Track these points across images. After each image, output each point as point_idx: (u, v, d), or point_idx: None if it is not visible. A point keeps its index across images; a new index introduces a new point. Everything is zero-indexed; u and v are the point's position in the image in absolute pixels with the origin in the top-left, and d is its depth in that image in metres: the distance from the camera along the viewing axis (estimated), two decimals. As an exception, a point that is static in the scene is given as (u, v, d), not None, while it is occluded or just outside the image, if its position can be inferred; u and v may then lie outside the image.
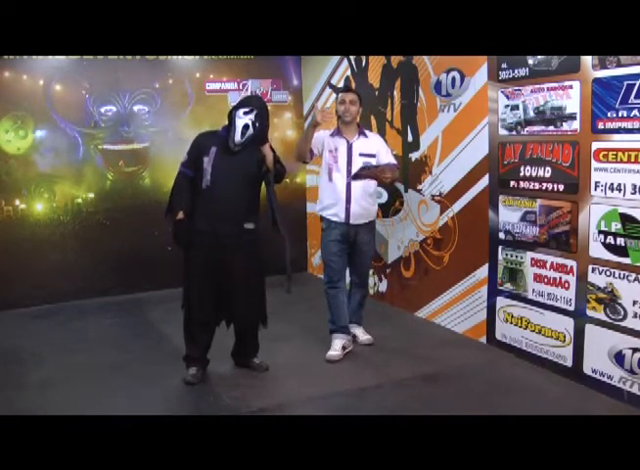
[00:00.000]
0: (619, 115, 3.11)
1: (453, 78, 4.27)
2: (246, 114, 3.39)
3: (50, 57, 5.08)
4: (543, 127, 3.58)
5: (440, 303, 4.56)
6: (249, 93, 5.82)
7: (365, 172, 3.76)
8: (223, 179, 3.39)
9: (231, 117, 3.44)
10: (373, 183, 3.94)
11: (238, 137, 3.38)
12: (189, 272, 3.51)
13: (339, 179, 3.88)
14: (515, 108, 3.74)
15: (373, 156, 3.91)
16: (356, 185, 3.85)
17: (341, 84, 5.51)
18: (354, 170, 3.81)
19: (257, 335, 3.73)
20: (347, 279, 4.14)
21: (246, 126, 3.37)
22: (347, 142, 3.92)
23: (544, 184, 3.61)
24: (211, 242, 3.42)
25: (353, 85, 5.31)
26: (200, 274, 3.47)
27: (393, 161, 4.00)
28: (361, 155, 3.88)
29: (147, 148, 5.60)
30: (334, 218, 3.92)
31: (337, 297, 3.97)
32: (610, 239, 3.23)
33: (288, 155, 6.03)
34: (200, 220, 3.44)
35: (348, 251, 4.00)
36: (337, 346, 3.93)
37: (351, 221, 3.89)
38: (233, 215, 3.44)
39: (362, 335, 4.20)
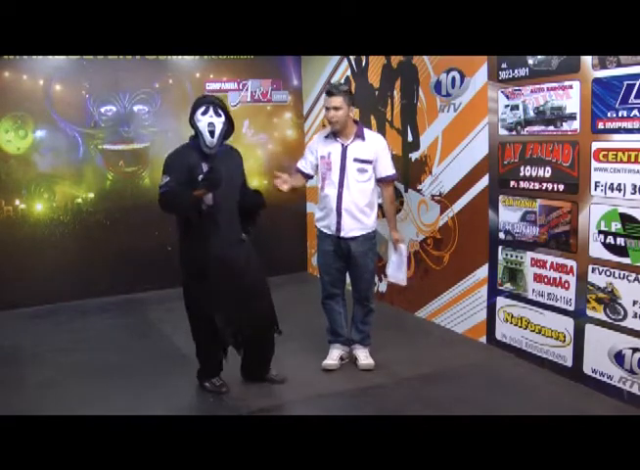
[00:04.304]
0: (619, 115, 3.12)
1: (453, 78, 4.26)
2: (203, 114, 3.23)
3: (50, 57, 5.08)
4: (543, 127, 3.58)
5: (440, 303, 4.56)
6: (249, 93, 5.84)
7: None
8: (221, 194, 3.23)
9: (192, 124, 3.28)
10: (369, 189, 3.65)
11: (209, 139, 3.22)
12: (198, 303, 3.32)
13: (330, 189, 3.63)
14: (515, 108, 3.74)
15: (369, 162, 3.60)
16: (349, 194, 3.59)
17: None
18: (348, 178, 3.58)
19: (273, 338, 3.57)
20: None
21: (210, 125, 3.21)
22: (342, 145, 3.61)
23: (544, 184, 3.61)
24: (219, 261, 3.27)
25: (353, 85, 5.30)
26: (214, 297, 3.31)
27: (391, 171, 3.71)
28: (356, 160, 3.59)
29: (147, 148, 5.60)
30: (326, 231, 3.71)
31: (332, 309, 3.84)
32: (610, 239, 3.23)
33: (287, 155, 6.07)
34: (205, 242, 3.25)
35: (345, 264, 3.75)
36: (333, 355, 3.82)
37: (342, 234, 3.64)
38: (234, 228, 3.36)
39: (363, 359, 3.80)
